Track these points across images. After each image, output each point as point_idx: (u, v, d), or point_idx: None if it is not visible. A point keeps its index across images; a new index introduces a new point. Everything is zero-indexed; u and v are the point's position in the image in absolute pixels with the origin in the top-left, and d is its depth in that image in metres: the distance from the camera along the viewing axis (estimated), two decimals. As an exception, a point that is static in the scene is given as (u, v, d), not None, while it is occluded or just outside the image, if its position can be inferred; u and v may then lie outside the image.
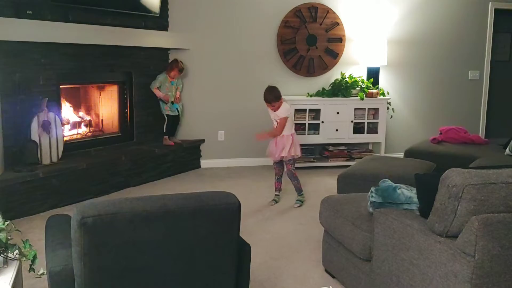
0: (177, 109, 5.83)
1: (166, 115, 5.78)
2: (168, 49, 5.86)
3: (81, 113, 5.51)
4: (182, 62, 5.75)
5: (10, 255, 2.12)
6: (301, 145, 6.23)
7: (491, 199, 2.05)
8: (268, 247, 3.68)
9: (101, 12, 5.07)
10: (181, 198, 2.01)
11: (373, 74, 6.48)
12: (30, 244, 2.18)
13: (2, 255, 2.10)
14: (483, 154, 4.65)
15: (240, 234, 2.14)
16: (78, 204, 1.90)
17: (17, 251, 2.14)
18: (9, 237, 2.11)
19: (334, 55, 6.49)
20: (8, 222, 2.14)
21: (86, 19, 4.92)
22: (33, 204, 4.36)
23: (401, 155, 5.54)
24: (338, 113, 6.21)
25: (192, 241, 1.99)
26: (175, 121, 5.94)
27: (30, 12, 4.45)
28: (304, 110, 6.16)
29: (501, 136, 5.86)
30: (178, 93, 5.82)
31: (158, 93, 5.68)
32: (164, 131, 5.83)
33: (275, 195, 4.85)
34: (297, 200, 4.77)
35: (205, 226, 2.00)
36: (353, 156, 6.31)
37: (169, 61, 5.90)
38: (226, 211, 2.03)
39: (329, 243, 3.18)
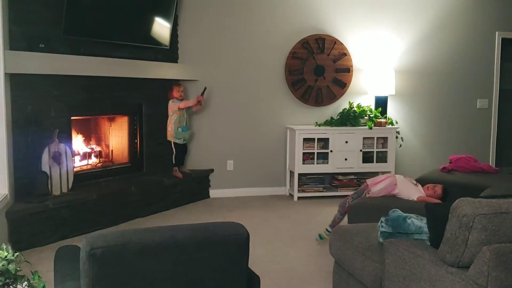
0: (183, 133, 5.78)
1: (174, 143, 5.78)
2: (178, 80, 5.94)
3: (91, 144, 5.55)
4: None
5: (19, 286, 2.12)
6: (310, 174, 6.31)
7: (502, 229, 2.03)
8: (278, 278, 3.64)
9: (112, 45, 5.17)
10: (190, 229, 2.01)
11: (381, 103, 6.51)
12: (39, 276, 2.18)
13: (11, 286, 2.10)
14: (493, 183, 4.59)
15: (249, 265, 2.13)
16: (87, 235, 1.91)
17: (26, 282, 2.13)
18: (18, 269, 2.10)
19: (342, 85, 6.53)
20: (17, 253, 2.14)
21: (97, 52, 5.01)
22: (42, 235, 4.36)
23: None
24: (346, 142, 6.22)
25: (201, 272, 1.98)
26: (182, 150, 5.95)
27: (43, 46, 4.54)
28: (313, 140, 6.17)
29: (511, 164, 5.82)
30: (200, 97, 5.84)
31: (184, 105, 5.71)
32: (173, 162, 5.85)
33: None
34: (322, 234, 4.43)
35: (213, 257, 1.98)
36: (362, 185, 6.27)
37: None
38: (235, 242, 2.02)
39: (339, 274, 3.15)
